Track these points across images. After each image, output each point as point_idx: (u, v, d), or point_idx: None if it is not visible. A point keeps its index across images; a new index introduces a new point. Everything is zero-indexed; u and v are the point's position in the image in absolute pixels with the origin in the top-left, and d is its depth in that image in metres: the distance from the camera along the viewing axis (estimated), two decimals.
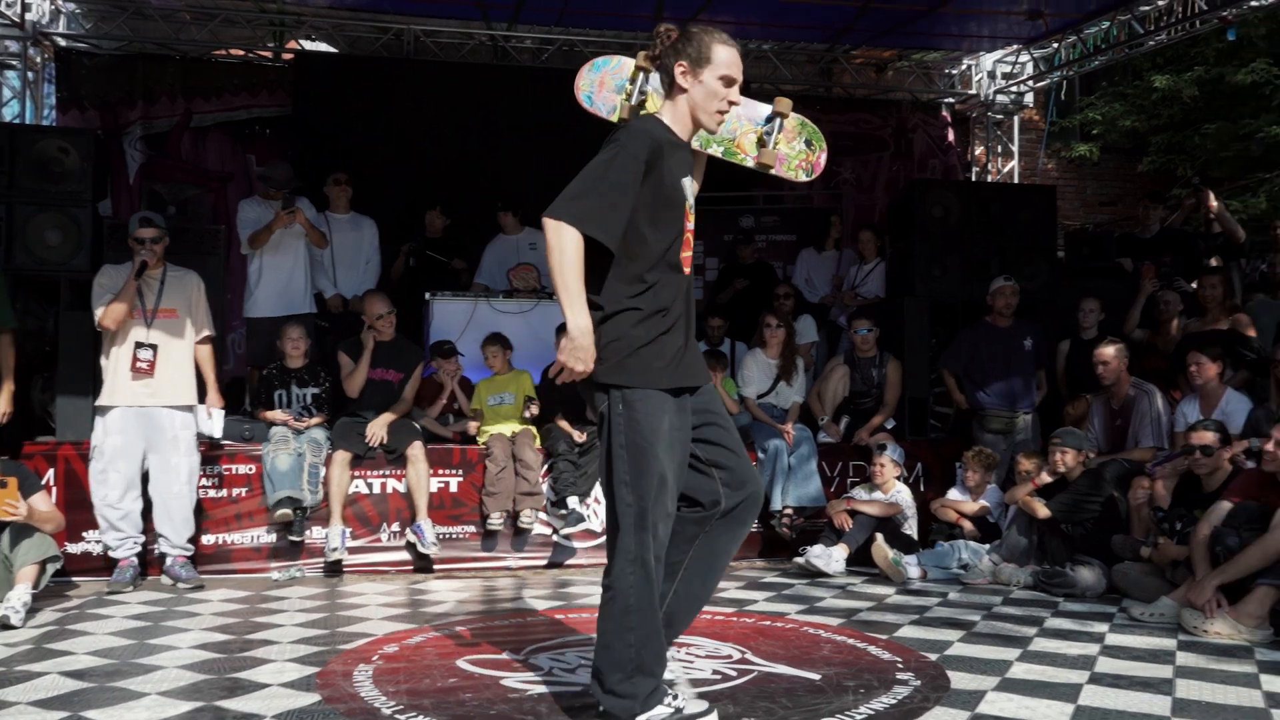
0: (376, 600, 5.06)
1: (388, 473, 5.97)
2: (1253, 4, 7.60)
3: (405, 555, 5.94)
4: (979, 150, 10.69)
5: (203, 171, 9.04)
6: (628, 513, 2.90)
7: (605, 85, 3.47)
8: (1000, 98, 10.09)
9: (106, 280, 5.38)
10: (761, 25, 9.18)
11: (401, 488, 5.95)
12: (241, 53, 9.36)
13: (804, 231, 8.83)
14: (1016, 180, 10.18)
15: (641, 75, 3.32)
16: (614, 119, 3.41)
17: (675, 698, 2.98)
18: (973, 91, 10.21)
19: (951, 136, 10.47)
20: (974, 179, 10.41)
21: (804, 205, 9.83)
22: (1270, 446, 4.49)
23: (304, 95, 8.98)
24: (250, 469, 5.83)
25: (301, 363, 6.18)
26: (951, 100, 10.41)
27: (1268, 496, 4.51)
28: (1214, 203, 7.90)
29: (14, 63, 8.62)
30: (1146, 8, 8.19)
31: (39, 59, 8.77)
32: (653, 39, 3.14)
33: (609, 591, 2.92)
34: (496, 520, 5.88)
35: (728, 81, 3.02)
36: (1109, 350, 5.98)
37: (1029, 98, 10.22)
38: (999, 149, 10.35)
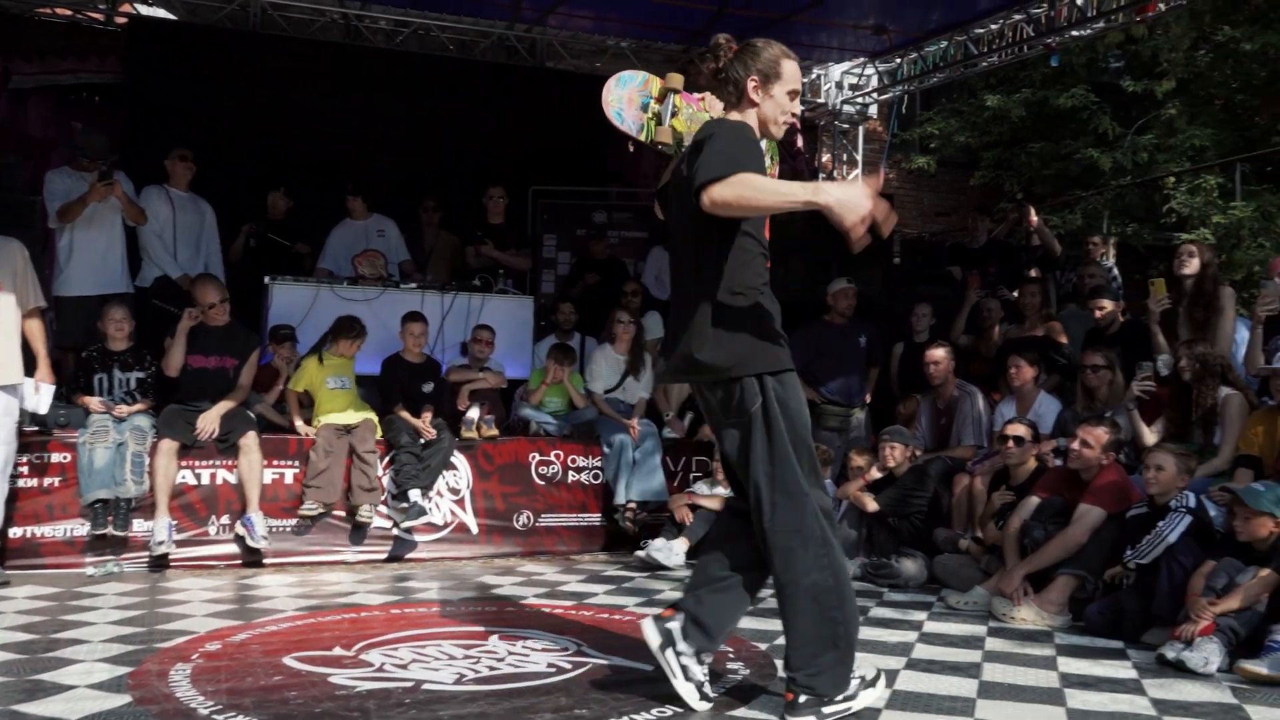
0: (201, 596, 4.84)
1: (218, 463, 5.72)
2: (1073, 34, 8.16)
3: (234, 549, 5.70)
4: (825, 157, 11.06)
5: (21, 137, 8.42)
6: (805, 501, 2.96)
7: (633, 102, 3.49)
8: (847, 107, 10.48)
9: None
10: (620, 23, 9.25)
11: (232, 478, 5.70)
12: (69, 13, 8.74)
13: (656, 229, 8.93)
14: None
15: (670, 96, 3.34)
16: (643, 138, 3.46)
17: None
18: (821, 100, 10.56)
19: (801, 143, 10.76)
20: None
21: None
22: (1076, 445, 4.83)
23: (137, 63, 8.47)
24: (66, 458, 5.47)
25: (125, 345, 5.84)
26: (801, 108, 10.72)
27: (1071, 493, 4.85)
28: (1034, 218, 8.45)
29: None
30: (981, 30, 8.68)
31: None
32: (712, 51, 3.17)
33: (792, 586, 2.95)
34: (311, 508, 5.72)
35: (794, 95, 3.15)
36: (939, 352, 6.30)
37: (873, 109, 10.66)
38: (844, 157, 10.75)
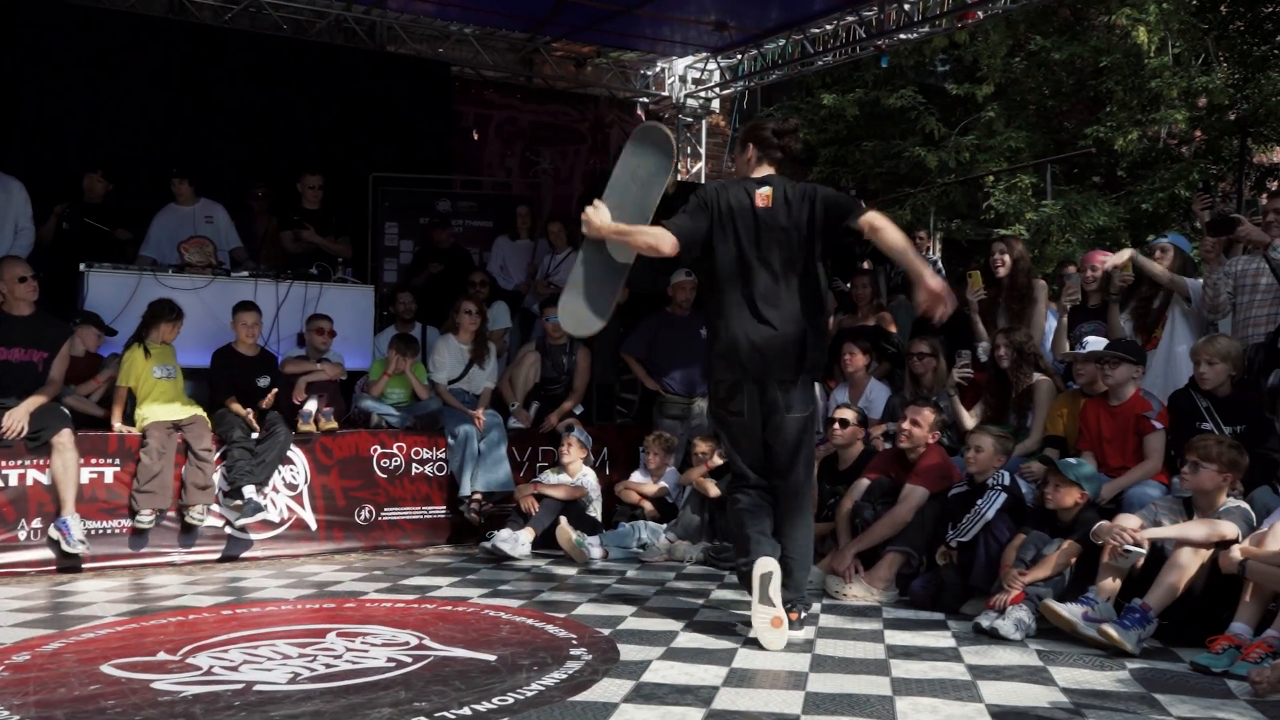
0: (9, 605, 4.51)
1: (28, 462, 5.33)
2: (901, 37, 8.55)
3: (48, 554, 5.32)
4: None
5: None
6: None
7: None
8: (690, 101, 10.67)
9: None
10: (463, 8, 9.11)
11: (44, 479, 5.33)
12: None
13: (500, 219, 8.87)
14: (703, 180, 10.80)
15: None
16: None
17: None
18: (666, 93, 10.71)
19: None
20: None
21: (502, 193, 9.88)
22: (906, 425, 5.08)
23: None
24: None
25: None
26: (646, 100, 10.86)
27: (899, 474, 5.11)
28: None
29: None
30: (816, 30, 9.00)
31: None
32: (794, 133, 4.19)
33: (809, 529, 4.10)
34: (146, 518, 5.44)
35: None
36: None
37: (716, 104, 10.88)
38: (688, 150, 10.93)
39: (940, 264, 8.82)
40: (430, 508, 6.42)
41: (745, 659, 3.66)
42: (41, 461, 5.33)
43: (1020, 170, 12.08)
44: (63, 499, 5.24)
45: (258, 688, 3.23)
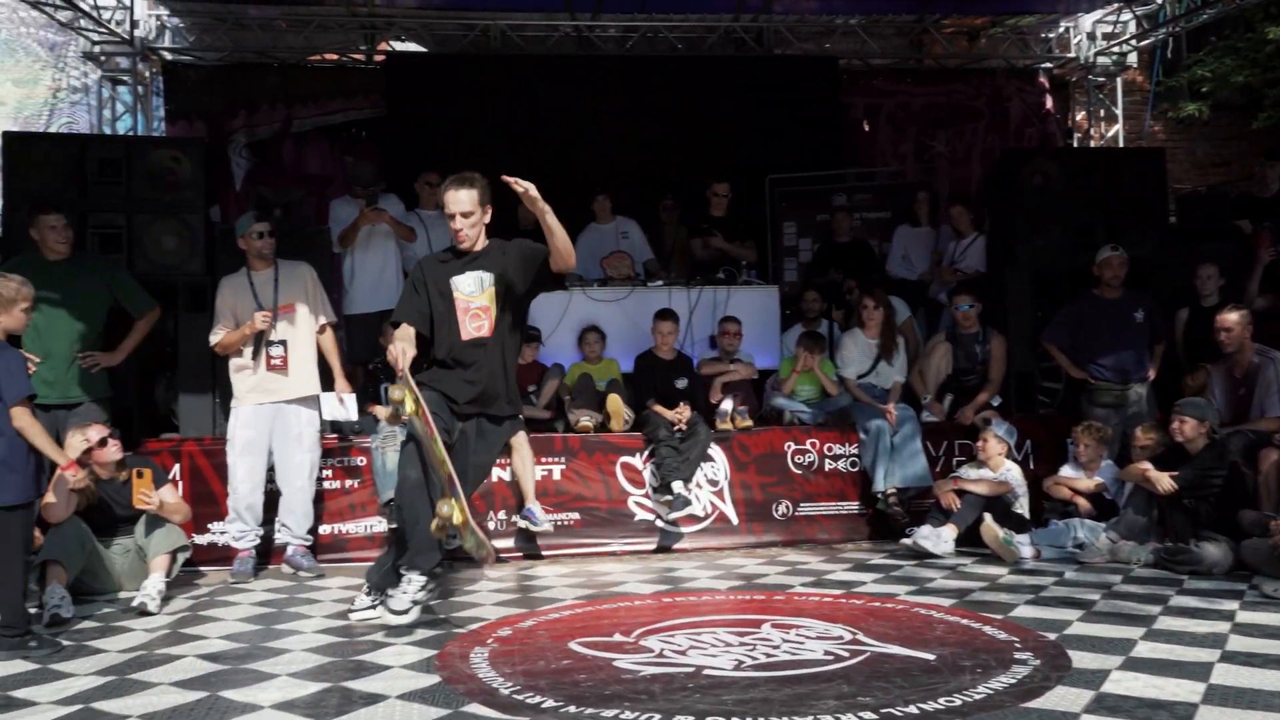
0: (487, 586, 5.17)
1: (500, 463, 6.07)
2: None
3: (511, 542, 6.05)
4: (1080, 115, 10.32)
5: (304, 176, 9.32)
6: None
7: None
8: (1101, 59, 9.73)
9: (223, 300, 5.57)
10: (847, 0, 9.04)
11: (506, 475, 6.05)
12: (335, 57, 9.61)
13: (898, 207, 8.67)
14: (1121, 144, 9.80)
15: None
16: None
17: None
18: (1071, 55, 9.87)
19: (1050, 103, 10.14)
20: (1075, 145, 10.06)
21: (898, 181, 9.65)
22: None
23: (396, 95, 9.19)
24: (362, 461, 6.00)
25: None
26: (1049, 65, 10.08)
27: None
28: None
29: (125, 78, 9.03)
30: None
31: (147, 73, 9.16)
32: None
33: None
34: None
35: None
36: (1232, 316, 5.72)
37: (1132, 58, 9.84)
38: (1101, 113, 9.98)
39: None
40: (845, 503, 6.41)
41: (1225, 674, 3.24)
42: (503, 460, 6.04)
43: None
44: (524, 491, 5.90)
45: (706, 672, 3.41)
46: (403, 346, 4.02)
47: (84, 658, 3.83)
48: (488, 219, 4.36)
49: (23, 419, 3.98)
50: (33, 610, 4.36)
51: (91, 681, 3.48)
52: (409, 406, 3.88)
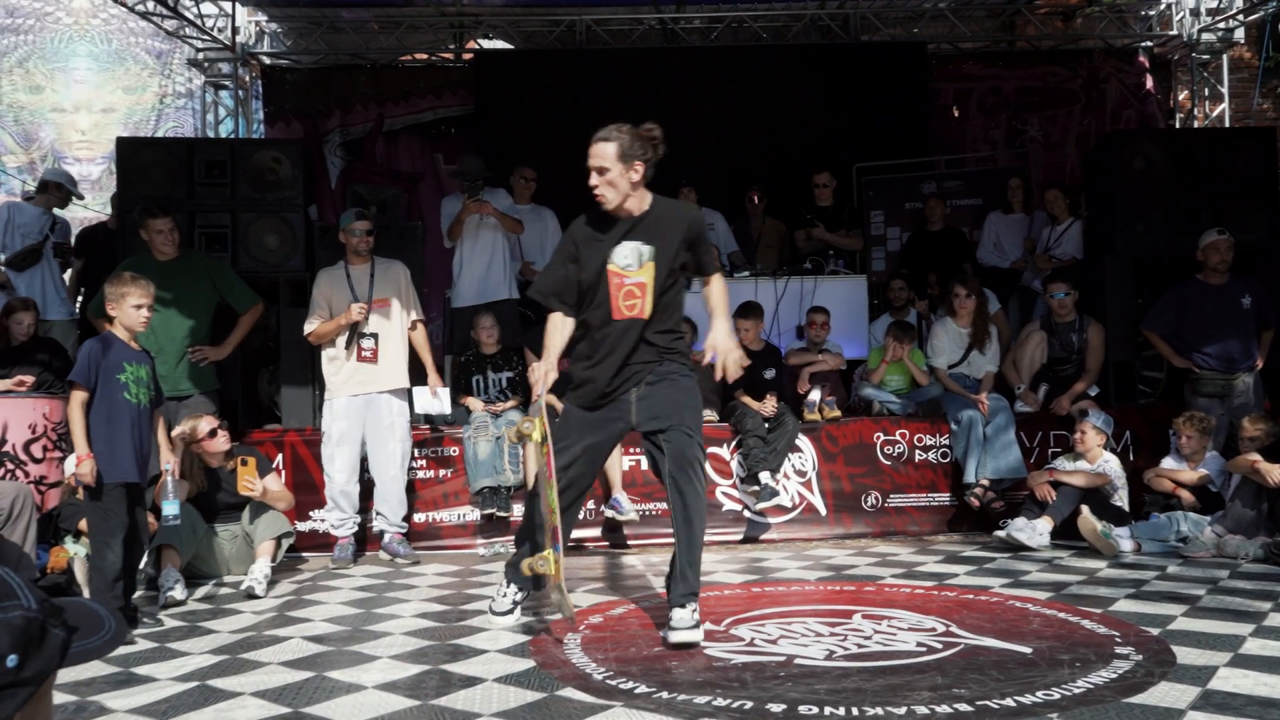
0: (578, 574, 5.24)
1: None
2: None
3: (599, 531, 6.12)
4: (1183, 95, 9.94)
5: (397, 173, 9.56)
6: None
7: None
8: (1206, 36, 9.36)
9: (320, 292, 5.76)
10: None
11: None
12: (425, 57, 9.83)
13: (989, 195, 8.48)
14: (1228, 124, 9.41)
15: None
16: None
17: None
18: (1174, 32, 9.52)
19: (1150, 83, 9.79)
20: (1178, 126, 9.70)
21: (987, 167, 9.44)
22: None
23: (484, 92, 9.35)
24: (455, 451, 6.15)
25: (495, 349, 6.45)
26: (1149, 44, 9.74)
27: None
28: None
29: (227, 83, 9.39)
30: None
31: (247, 78, 9.50)
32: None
33: None
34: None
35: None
36: None
37: (1239, 33, 9.43)
38: (1206, 92, 9.60)
39: None
40: (936, 494, 6.33)
41: None
42: None
43: None
44: (611, 481, 5.97)
45: (798, 661, 3.41)
46: (545, 369, 3.72)
47: (198, 637, 4.01)
48: (636, 177, 3.75)
49: (70, 402, 4.07)
50: (151, 593, 4.60)
51: (206, 660, 3.65)
52: (536, 437, 3.71)
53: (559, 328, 3.87)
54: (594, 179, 3.74)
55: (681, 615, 3.62)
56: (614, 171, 3.71)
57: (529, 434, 3.74)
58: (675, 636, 3.58)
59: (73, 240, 7.99)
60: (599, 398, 3.79)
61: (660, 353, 3.79)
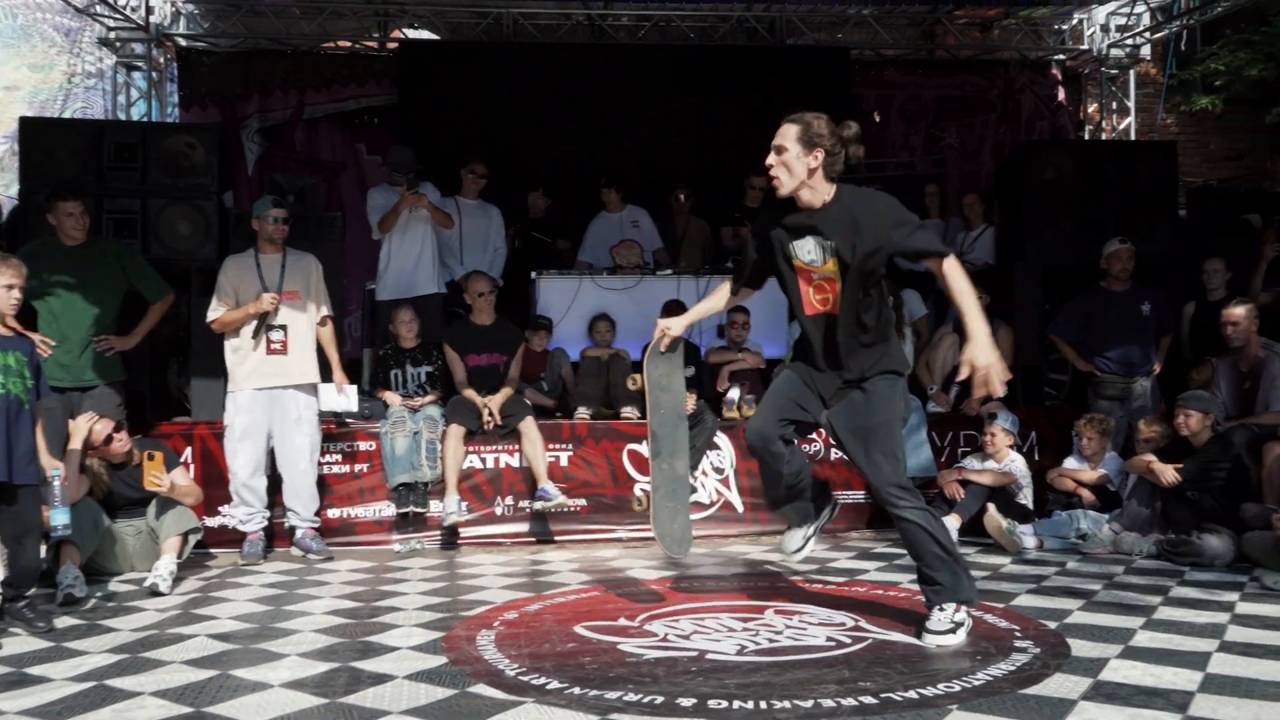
0: (493, 570, 5.22)
1: (500, 448, 6.14)
2: None
3: (519, 528, 6.10)
4: (1092, 108, 10.29)
5: (316, 162, 9.37)
6: None
7: None
8: (1115, 52, 9.71)
9: (226, 278, 5.59)
10: None
11: (514, 462, 6.10)
12: (349, 44, 9.64)
13: (907, 200, 8.60)
14: (1133, 137, 9.78)
15: None
16: None
17: None
18: (1085, 47, 9.85)
19: (1062, 95, 10.12)
20: (1087, 138, 10.04)
21: (906, 173, 9.65)
22: None
23: (408, 83, 9.22)
24: (371, 445, 6.06)
25: (414, 343, 6.38)
26: (1062, 57, 10.06)
27: None
28: None
29: (140, 64, 9.09)
30: None
31: (162, 59, 9.22)
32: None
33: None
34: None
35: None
36: (1239, 311, 5.73)
37: (1145, 50, 9.81)
38: (1114, 105, 9.96)
39: None
40: (851, 492, 6.43)
41: (1223, 664, 3.27)
42: (510, 446, 6.10)
43: None
44: (537, 473, 5.94)
45: (709, 656, 3.45)
46: (670, 322, 4.17)
47: (97, 636, 3.89)
48: (815, 164, 3.54)
49: None
50: (47, 590, 4.44)
51: (105, 659, 3.55)
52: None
53: (711, 294, 4.14)
54: (770, 158, 3.58)
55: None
56: (791, 153, 3.54)
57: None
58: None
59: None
60: None
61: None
